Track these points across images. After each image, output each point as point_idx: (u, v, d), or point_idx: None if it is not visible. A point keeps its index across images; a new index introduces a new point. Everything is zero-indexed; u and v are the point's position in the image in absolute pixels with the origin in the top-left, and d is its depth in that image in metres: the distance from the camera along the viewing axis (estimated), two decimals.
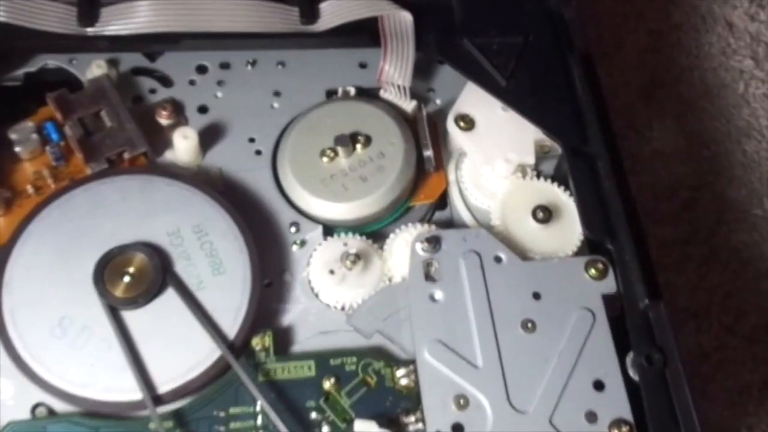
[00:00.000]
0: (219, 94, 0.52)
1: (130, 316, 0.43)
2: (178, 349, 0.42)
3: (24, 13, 0.49)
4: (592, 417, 0.42)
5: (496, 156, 0.49)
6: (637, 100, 0.74)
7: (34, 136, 0.47)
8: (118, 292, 0.43)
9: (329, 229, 0.48)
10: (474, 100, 0.51)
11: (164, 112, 0.50)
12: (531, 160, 0.49)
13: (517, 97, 0.50)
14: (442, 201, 0.51)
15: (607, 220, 0.47)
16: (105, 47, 0.51)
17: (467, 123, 0.50)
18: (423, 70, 0.54)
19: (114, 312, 0.42)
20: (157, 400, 0.41)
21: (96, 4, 0.50)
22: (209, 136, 0.50)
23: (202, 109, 0.51)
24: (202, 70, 0.53)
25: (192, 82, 0.52)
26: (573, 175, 0.48)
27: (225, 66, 0.53)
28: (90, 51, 0.51)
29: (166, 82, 0.52)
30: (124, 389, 0.41)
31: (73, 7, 0.50)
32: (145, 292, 0.43)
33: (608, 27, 0.76)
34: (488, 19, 0.52)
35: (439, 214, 0.51)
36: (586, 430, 0.42)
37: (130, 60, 0.53)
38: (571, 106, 0.50)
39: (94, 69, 0.51)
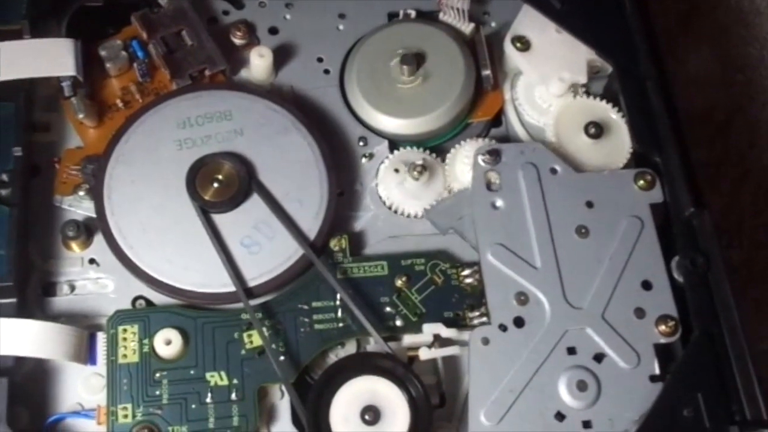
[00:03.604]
0: (288, 17, 0.55)
1: (221, 219, 0.47)
2: (265, 248, 0.46)
3: None
4: (640, 313, 0.46)
5: (551, 75, 0.52)
6: (674, 26, 0.76)
7: (123, 53, 0.50)
8: (208, 195, 0.46)
9: (394, 144, 0.52)
10: (530, 22, 0.54)
11: (238, 33, 0.53)
12: (583, 79, 0.52)
13: (570, 19, 0.53)
14: (498, 118, 0.54)
15: (655, 135, 0.50)
16: None
17: (523, 44, 0.53)
18: None
19: (206, 214, 0.46)
20: (248, 293, 0.45)
21: None
22: (280, 56, 0.53)
23: (273, 31, 0.54)
24: None
25: (261, 5, 0.55)
26: (624, 92, 0.52)
27: None
28: None
29: (237, 3, 0.55)
30: (218, 283, 0.45)
31: None
32: (233, 196, 0.46)
33: None
34: None
35: (494, 131, 0.54)
36: (635, 324, 0.46)
37: None
38: (622, 29, 0.53)
39: None
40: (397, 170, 0.49)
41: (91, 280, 0.47)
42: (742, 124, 0.73)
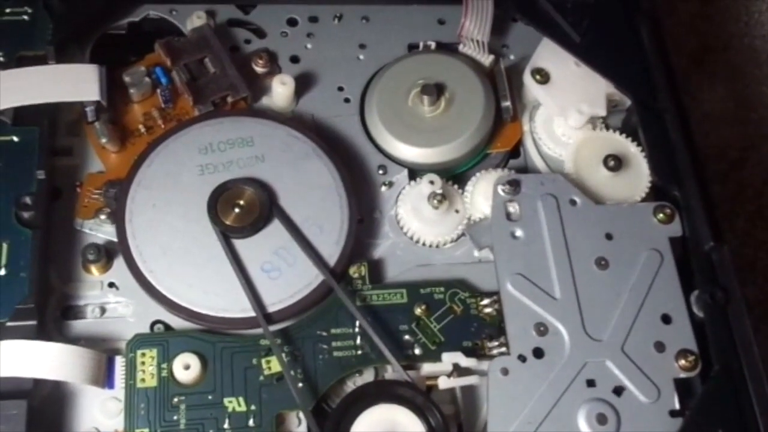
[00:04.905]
0: (309, 46, 0.55)
1: (242, 244, 0.47)
2: (285, 274, 0.46)
3: None
4: (660, 347, 0.46)
5: (570, 108, 0.53)
6: (687, 64, 0.77)
7: (147, 79, 0.51)
8: (229, 220, 0.46)
9: (413, 172, 0.52)
10: (549, 55, 0.54)
11: (260, 61, 0.53)
12: (602, 112, 0.53)
13: (590, 52, 0.53)
14: (516, 149, 0.54)
15: (674, 168, 0.51)
16: None
17: (543, 76, 0.53)
18: (497, 28, 0.56)
19: (226, 239, 0.46)
20: (268, 318, 0.45)
21: None
22: (301, 85, 0.53)
23: (294, 59, 0.55)
24: (292, 23, 0.56)
25: (284, 34, 0.56)
26: (643, 126, 0.52)
27: (313, 19, 0.56)
28: (189, 2, 0.55)
29: (259, 33, 0.56)
30: (238, 309, 0.45)
31: None
32: (254, 222, 0.47)
33: None
34: None
35: (513, 162, 0.54)
36: (655, 358, 0.45)
37: (226, 12, 0.56)
38: (640, 63, 0.54)
39: (194, 19, 0.54)
40: (419, 210, 0.50)
41: (110, 304, 0.47)
42: (756, 161, 0.73)
